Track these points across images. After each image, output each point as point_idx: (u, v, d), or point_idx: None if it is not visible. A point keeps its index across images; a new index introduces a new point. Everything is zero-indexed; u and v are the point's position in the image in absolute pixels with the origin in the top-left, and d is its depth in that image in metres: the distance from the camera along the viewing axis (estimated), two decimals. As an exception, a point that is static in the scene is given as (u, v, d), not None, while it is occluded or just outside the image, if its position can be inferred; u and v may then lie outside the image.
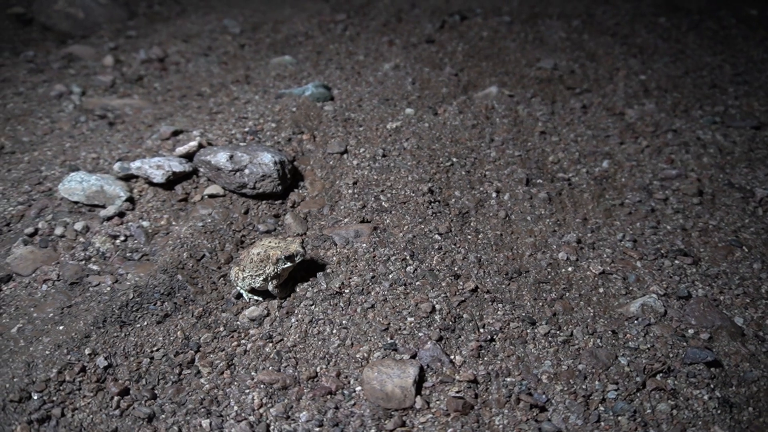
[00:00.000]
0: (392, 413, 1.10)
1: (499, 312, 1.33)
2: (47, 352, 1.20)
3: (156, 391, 1.19)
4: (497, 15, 3.22)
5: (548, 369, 1.19)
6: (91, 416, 1.12)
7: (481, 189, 1.80)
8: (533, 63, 2.66)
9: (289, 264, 1.39)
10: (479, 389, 1.16)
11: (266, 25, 3.18)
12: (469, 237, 1.59)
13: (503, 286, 1.42)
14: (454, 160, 1.95)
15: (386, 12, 3.31)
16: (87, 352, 1.22)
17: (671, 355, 1.21)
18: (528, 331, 1.28)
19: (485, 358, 1.22)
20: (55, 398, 1.13)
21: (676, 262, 1.48)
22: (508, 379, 1.17)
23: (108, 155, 1.94)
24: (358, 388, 1.15)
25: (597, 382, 1.16)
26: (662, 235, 1.58)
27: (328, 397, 1.13)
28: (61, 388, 1.15)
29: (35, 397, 1.12)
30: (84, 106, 2.32)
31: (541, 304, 1.36)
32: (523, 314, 1.32)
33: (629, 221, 1.64)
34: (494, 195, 1.76)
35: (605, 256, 1.51)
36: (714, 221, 1.63)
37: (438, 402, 1.13)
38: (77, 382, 1.17)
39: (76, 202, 1.70)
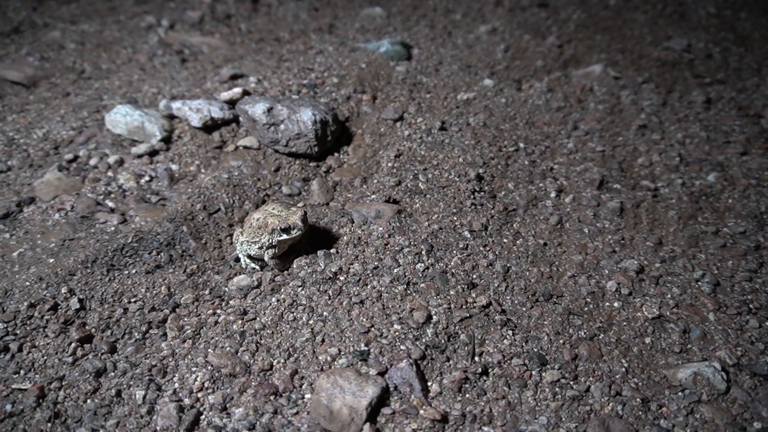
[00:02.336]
0: (331, 436, 0.93)
1: (506, 340, 1.09)
2: (27, 283, 1.19)
3: (117, 345, 1.13)
4: (636, -20, 2.72)
5: (540, 429, 0.94)
6: (45, 358, 1.09)
7: (541, 185, 1.51)
8: (660, 41, 2.21)
9: (284, 236, 1.25)
10: (445, 432, 0.95)
11: (373, -29, 2.97)
12: (505, 241, 1.34)
13: (524, 308, 1.16)
14: (521, 145, 1.66)
15: (506, -33, 2.95)
16: (64, 290, 1.19)
17: (716, 451, 0.91)
18: (533, 372, 1.03)
19: (467, 395, 1.00)
20: (18, 331, 1.11)
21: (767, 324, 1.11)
22: (485, 429, 0.95)
23: (168, 91, 1.92)
24: (308, 396, 1.00)
25: (598, 462, 0.90)
26: (760, 283, 1.20)
27: (272, 397, 1.00)
28: (27, 322, 1.13)
29: (0, 327, 1.11)
30: (166, 40, 2.32)
31: (562, 341, 1.09)
32: (535, 349, 1.07)
33: (719, 257, 1.27)
34: (553, 194, 1.47)
35: (669, 296, 1.18)
36: (844, 278, 1.21)
37: (390, 435, 0.94)
38: (45, 320, 1.14)
39: (118, 135, 1.69)
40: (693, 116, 1.76)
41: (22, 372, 1.06)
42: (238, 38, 2.37)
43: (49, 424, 0.98)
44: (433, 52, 2.19)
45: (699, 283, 1.21)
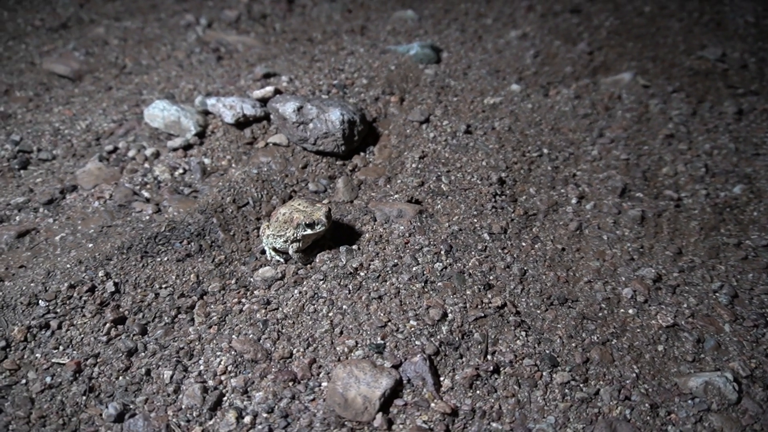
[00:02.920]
0: (345, 423, 0.98)
1: (518, 341, 1.12)
2: (68, 266, 1.27)
3: (147, 328, 1.20)
4: (672, -13, 2.69)
5: (547, 428, 0.97)
6: (82, 336, 1.16)
7: (563, 191, 1.53)
8: (694, 50, 2.19)
9: (308, 231, 1.30)
10: (454, 426, 0.98)
11: (407, -26, 3.01)
12: (524, 244, 1.36)
13: (538, 311, 1.19)
14: (545, 151, 1.68)
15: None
16: (101, 274, 1.27)
17: (722, 460, 0.92)
18: (544, 373, 1.06)
19: (478, 391, 1.03)
20: (58, 310, 1.19)
21: (784, 338, 1.11)
22: (494, 425, 0.98)
23: (203, 88, 1.99)
24: (324, 384, 1.04)
25: (603, 463, 0.92)
26: (779, 297, 1.20)
27: (291, 384, 1.04)
28: (67, 302, 1.21)
29: (42, 305, 1.19)
30: (203, 38, 2.41)
31: (574, 344, 1.11)
32: (547, 351, 1.09)
33: (739, 269, 1.27)
34: (574, 201, 1.48)
35: (685, 305, 1.19)
36: None
37: (401, 426, 0.98)
38: (82, 301, 1.22)
39: (156, 129, 1.77)
40: (723, 127, 1.74)
41: (60, 348, 1.14)
42: (273, 38, 2.43)
43: (84, 398, 1.05)
44: (463, 55, 2.21)
45: (717, 294, 1.21)
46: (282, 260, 1.38)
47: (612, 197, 1.47)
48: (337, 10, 2.67)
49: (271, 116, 1.75)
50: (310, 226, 1.29)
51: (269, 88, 1.79)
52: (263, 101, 1.80)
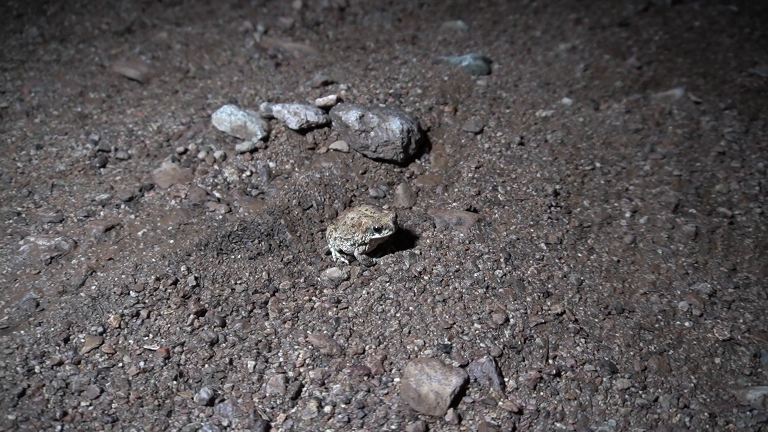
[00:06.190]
0: (419, 416, 1.05)
1: (578, 347, 1.17)
2: (153, 260, 1.37)
3: (226, 320, 1.29)
4: (723, 2, 2.71)
5: (609, 430, 1.03)
6: (169, 326, 1.26)
7: (616, 204, 1.58)
8: (745, 67, 2.20)
9: (376, 235, 1.38)
10: (520, 424, 1.04)
11: (454, -15, 3.07)
12: (580, 255, 1.42)
13: (596, 319, 1.24)
14: (598, 165, 1.73)
15: (589, -15, 2.98)
16: (183, 269, 1.36)
17: (780, 469, 0.96)
18: (604, 379, 1.11)
19: (541, 393, 1.09)
20: (146, 301, 1.29)
21: (840, 356, 1.15)
22: (558, 425, 1.04)
23: (264, 94, 2.09)
24: (397, 379, 1.12)
25: (664, 466, 0.98)
26: (835, 316, 1.23)
27: (366, 378, 1.12)
28: (154, 294, 1.31)
29: (132, 295, 1.29)
30: (261, 45, 2.51)
31: (632, 353, 1.16)
32: (606, 358, 1.15)
33: (794, 287, 1.31)
34: (628, 214, 1.53)
35: (741, 321, 1.23)
36: None
37: (470, 422, 1.05)
38: (167, 293, 1.31)
39: (222, 132, 1.87)
40: (775, 146, 1.77)
41: (150, 336, 1.24)
42: (327, 45, 2.52)
43: (175, 382, 1.14)
44: (513, 67, 2.27)
45: (772, 310, 1.25)
46: (346, 261, 1.46)
47: (665, 212, 1.52)
48: (388, 19, 2.75)
49: (333, 123, 1.84)
50: (378, 230, 1.37)
51: (331, 96, 1.87)
52: (325, 108, 1.88)
